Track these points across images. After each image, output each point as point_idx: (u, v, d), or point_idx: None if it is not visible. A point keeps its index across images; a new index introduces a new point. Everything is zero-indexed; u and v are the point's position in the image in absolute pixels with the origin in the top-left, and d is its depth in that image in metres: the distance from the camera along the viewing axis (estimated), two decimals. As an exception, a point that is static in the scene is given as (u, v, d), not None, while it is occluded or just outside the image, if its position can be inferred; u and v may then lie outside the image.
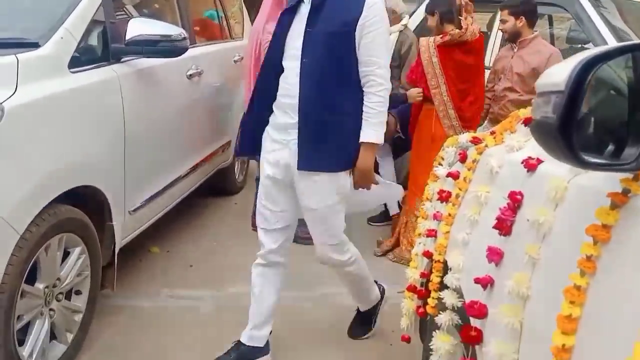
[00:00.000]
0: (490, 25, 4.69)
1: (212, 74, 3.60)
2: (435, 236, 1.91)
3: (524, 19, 3.46)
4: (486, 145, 1.69)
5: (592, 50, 0.84)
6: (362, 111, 2.16)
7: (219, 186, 4.38)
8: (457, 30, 3.26)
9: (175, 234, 3.70)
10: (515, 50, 3.52)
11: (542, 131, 0.88)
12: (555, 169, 1.22)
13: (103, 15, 2.49)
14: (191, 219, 3.97)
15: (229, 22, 4.40)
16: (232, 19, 4.50)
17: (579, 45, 4.18)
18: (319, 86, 2.10)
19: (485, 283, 1.38)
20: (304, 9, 2.15)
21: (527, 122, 1.50)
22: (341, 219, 2.29)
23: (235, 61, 4.18)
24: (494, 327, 1.29)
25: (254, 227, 3.78)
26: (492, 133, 1.76)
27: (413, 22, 4.58)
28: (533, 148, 1.43)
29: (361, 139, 2.16)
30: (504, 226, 1.32)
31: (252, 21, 4.67)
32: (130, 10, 3.09)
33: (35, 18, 2.35)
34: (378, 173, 3.96)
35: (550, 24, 4.84)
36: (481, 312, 1.38)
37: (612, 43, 3.49)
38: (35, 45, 2.15)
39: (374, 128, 2.16)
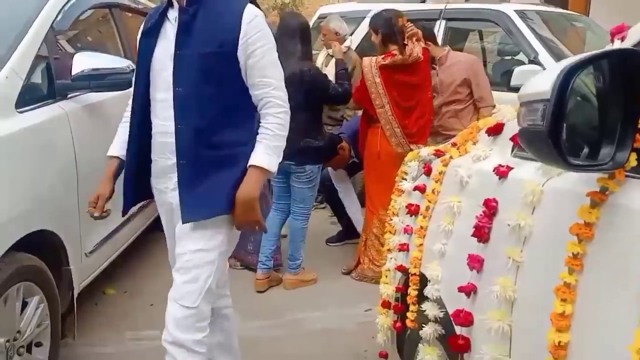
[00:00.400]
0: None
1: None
2: (408, 250, 1.95)
3: (431, 44, 3.68)
4: (451, 157, 1.75)
5: (568, 60, 0.91)
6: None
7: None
8: (400, 56, 3.34)
9: (130, 273, 3.57)
10: (437, 67, 3.71)
11: (531, 138, 0.93)
12: (525, 174, 1.29)
13: (46, 51, 2.41)
14: (144, 256, 3.84)
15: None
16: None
17: (509, 57, 4.42)
18: (199, 118, 1.79)
19: (469, 291, 1.43)
20: (170, 29, 1.84)
21: (490, 131, 1.58)
22: (209, 274, 1.82)
23: (180, 91, 4.13)
24: (483, 332, 1.33)
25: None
26: (454, 145, 1.83)
27: (354, 42, 4.70)
28: (499, 156, 1.51)
29: (251, 162, 1.80)
30: (482, 233, 1.37)
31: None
32: (66, 45, 2.99)
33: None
34: (339, 200, 4.03)
35: (481, 38, 5.11)
36: (467, 319, 1.42)
37: (542, 52, 3.73)
38: (-23, 87, 2.05)
39: (268, 152, 1.81)
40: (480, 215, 1.38)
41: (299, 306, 3.22)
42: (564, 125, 0.95)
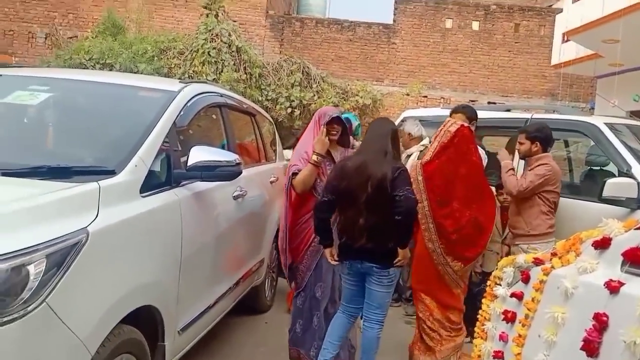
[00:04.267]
0: (508, 149, 4.96)
1: (253, 195, 3.77)
2: (503, 358, 1.92)
3: (538, 144, 3.76)
4: (552, 267, 1.77)
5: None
6: None
7: (250, 304, 4.36)
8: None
9: (209, 355, 3.64)
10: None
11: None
12: (639, 291, 1.30)
13: (168, 144, 2.69)
14: (225, 338, 3.92)
15: (265, 144, 4.68)
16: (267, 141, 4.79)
17: (598, 168, 4.39)
18: None
19: (577, 405, 1.39)
20: None
21: (597, 245, 1.60)
22: None
23: (271, 182, 4.39)
24: None
25: (292, 346, 3.71)
26: (555, 254, 1.84)
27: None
28: (607, 269, 1.52)
29: None
30: (592, 348, 1.37)
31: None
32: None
33: (112, 148, 2.55)
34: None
35: (567, 146, 5.13)
36: None
37: (635, 165, 3.69)
38: (112, 173, 2.32)
39: None
40: (590, 329, 1.38)
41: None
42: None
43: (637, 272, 1.37)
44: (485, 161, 4.03)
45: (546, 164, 3.70)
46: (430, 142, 4.86)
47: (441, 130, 3.57)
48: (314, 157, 3.36)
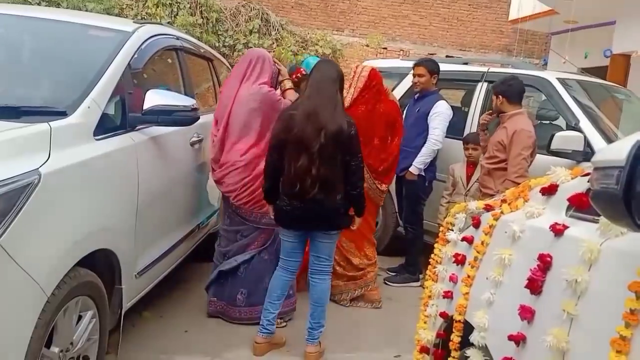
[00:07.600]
0: (464, 101, 5.04)
1: (210, 141, 3.73)
2: (451, 297, 2.03)
3: (501, 97, 3.68)
4: (502, 212, 1.85)
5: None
6: None
7: (205, 251, 4.38)
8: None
9: (166, 299, 3.67)
10: (500, 124, 3.75)
11: (604, 199, 1.03)
12: (582, 233, 1.38)
13: (123, 86, 2.61)
14: (180, 284, 3.95)
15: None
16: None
17: (548, 122, 4.53)
18: None
19: (519, 340, 1.50)
20: None
21: (544, 191, 1.68)
22: None
23: (229, 129, 4.32)
24: (531, 380, 1.40)
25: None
26: (504, 201, 1.93)
27: (396, 96, 4.89)
28: (552, 214, 1.60)
29: None
30: (535, 286, 1.45)
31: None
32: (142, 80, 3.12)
33: (63, 88, 2.45)
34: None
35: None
36: (514, 367, 1.49)
37: (583, 119, 3.83)
38: (63, 114, 2.23)
39: None
40: (534, 268, 1.47)
41: (330, 347, 3.27)
42: (637, 190, 1.03)
43: (580, 217, 1.45)
44: (450, 114, 4.23)
45: (527, 130, 3.54)
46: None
47: (354, 77, 3.84)
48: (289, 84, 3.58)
